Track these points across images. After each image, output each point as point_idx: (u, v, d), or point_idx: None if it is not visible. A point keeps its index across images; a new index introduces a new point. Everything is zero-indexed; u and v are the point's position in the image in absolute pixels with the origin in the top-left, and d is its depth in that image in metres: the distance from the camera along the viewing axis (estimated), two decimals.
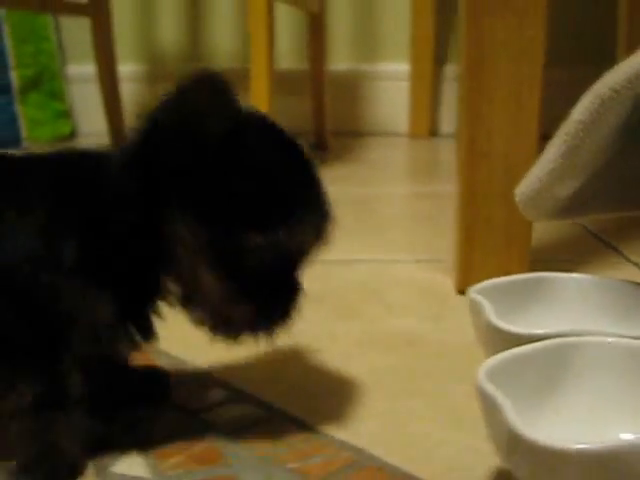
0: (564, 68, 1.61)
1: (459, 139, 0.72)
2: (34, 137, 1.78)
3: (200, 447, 0.45)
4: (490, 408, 0.36)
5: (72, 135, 1.90)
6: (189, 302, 0.43)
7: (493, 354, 0.47)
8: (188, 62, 1.97)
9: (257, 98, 1.25)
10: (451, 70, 1.93)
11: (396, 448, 0.45)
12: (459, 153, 0.71)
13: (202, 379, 0.54)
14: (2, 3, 1.54)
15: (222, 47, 1.95)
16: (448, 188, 1.34)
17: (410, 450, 0.45)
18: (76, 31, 1.90)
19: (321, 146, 1.66)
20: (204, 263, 0.41)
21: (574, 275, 0.55)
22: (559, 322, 0.51)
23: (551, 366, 0.41)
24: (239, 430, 0.47)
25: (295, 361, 0.58)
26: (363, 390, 0.53)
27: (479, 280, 0.70)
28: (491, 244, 0.71)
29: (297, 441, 0.46)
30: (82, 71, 1.91)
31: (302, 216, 0.42)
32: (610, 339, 0.42)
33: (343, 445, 0.45)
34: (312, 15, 1.59)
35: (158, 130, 0.40)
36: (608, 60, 1.26)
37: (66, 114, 1.89)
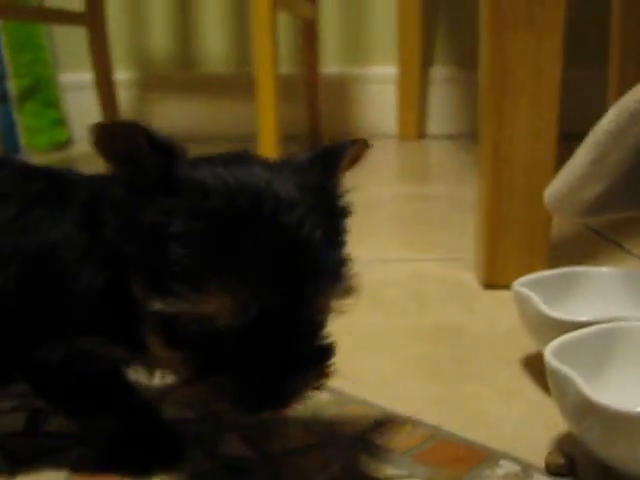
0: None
1: (482, 146, 0.79)
2: (32, 145, 1.82)
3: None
4: (561, 381, 0.43)
5: (68, 142, 1.94)
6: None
7: (541, 339, 0.54)
8: (180, 68, 2.02)
9: (263, 104, 1.31)
10: (437, 72, 2.01)
11: (463, 424, 0.52)
12: (483, 159, 0.78)
13: None
14: (2, 14, 1.58)
15: (214, 53, 2.01)
16: (441, 189, 1.43)
17: (476, 425, 0.52)
18: (68, 39, 1.94)
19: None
20: (149, 326, 0.41)
21: (602, 268, 0.63)
22: (595, 310, 0.59)
23: (602, 347, 0.48)
24: (319, 415, 0.54)
25: (351, 352, 0.64)
26: (420, 376, 0.60)
27: (504, 276, 0.78)
28: (514, 243, 0.78)
29: (374, 422, 0.52)
30: (75, 79, 1.95)
31: (219, 284, 0.37)
32: None
33: (418, 423, 0.52)
34: (306, 21, 1.66)
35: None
36: (602, 62, 1.34)
37: (62, 122, 1.93)
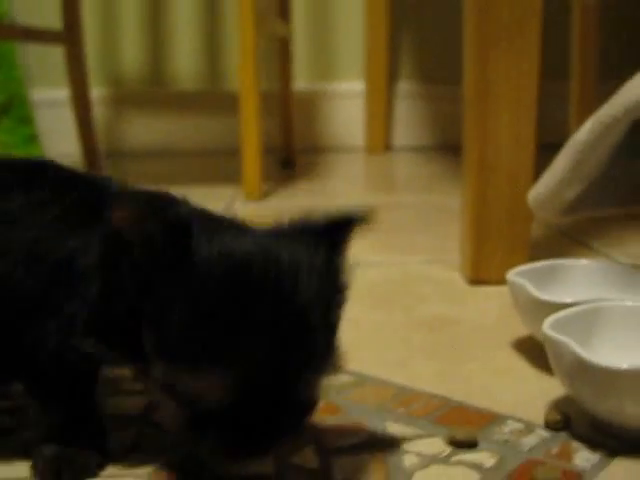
0: None
1: (466, 155, 0.88)
2: None
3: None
4: (558, 347, 0.52)
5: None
6: None
7: (532, 321, 0.64)
8: (153, 85, 2.10)
9: (247, 121, 1.39)
10: (403, 87, 2.12)
11: (470, 395, 0.60)
12: (468, 167, 0.88)
13: None
14: None
15: (186, 70, 2.09)
16: (411, 198, 1.52)
17: (481, 396, 0.60)
18: (41, 56, 2.00)
19: (290, 164, 1.81)
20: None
21: (582, 260, 0.72)
22: (577, 294, 0.68)
23: (588, 323, 0.58)
24: (345, 392, 0.62)
25: (361, 343, 0.73)
26: (426, 359, 0.68)
27: (489, 274, 0.87)
28: (498, 243, 0.87)
29: (393, 395, 0.61)
30: (48, 96, 2.01)
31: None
32: (628, 303, 0.59)
33: (431, 395, 0.60)
34: (281, 40, 1.75)
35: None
36: (562, 76, 1.45)
37: (35, 138, 1.99)
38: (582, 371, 0.50)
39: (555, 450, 0.52)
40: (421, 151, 2.08)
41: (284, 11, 1.75)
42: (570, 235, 1.10)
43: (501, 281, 0.81)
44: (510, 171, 0.85)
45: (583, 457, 0.51)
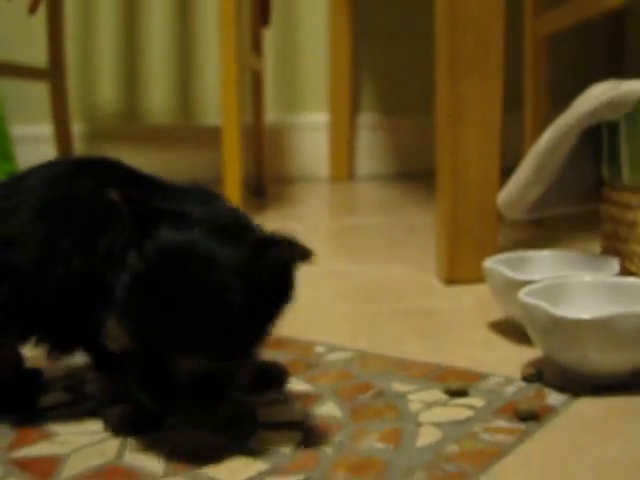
0: None
1: (440, 168, 1.01)
2: None
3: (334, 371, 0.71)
4: (532, 309, 0.64)
5: None
6: None
7: (506, 300, 0.76)
8: (127, 120, 2.21)
9: (229, 153, 1.50)
10: (365, 119, 2.25)
11: (457, 362, 0.72)
12: (442, 181, 1.00)
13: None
14: None
15: (159, 105, 2.20)
16: (377, 220, 1.64)
17: (466, 362, 0.72)
18: (20, 93, 2.10)
19: (261, 192, 1.92)
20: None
21: (543, 252, 0.85)
22: (543, 275, 0.80)
23: (554, 293, 0.70)
24: (351, 364, 0.73)
25: (358, 329, 0.84)
26: (414, 338, 0.80)
27: (461, 274, 0.99)
28: (469, 246, 1.00)
29: (393, 364, 0.72)
30: (26, 131, 2.10)
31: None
32: (587, 278, 0.72)
33: (425, 363, 0.72)
34: (254, 73, 1.88)
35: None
36: (517, 109, 1.59)
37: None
38: (552, 325, 0.63)
39: (531, 394, 0.64)
40: (383, 179, 2.22)
41: (257, 45, 1.88)
42: (532, 235, 1.24)
43: (473, 280, 0.95)
44: (478, 181, 0.98)
45: (554, 398, 0.63)
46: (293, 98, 2.24)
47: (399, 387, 0.66)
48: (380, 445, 0.56)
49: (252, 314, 0.53)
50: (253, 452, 0.55)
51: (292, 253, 0.53)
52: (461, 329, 0.83)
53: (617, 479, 0.51)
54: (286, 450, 0.55)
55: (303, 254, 0.52)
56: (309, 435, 0.58)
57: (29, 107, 2.09)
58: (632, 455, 0.54)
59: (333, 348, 0.77)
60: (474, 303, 0.92)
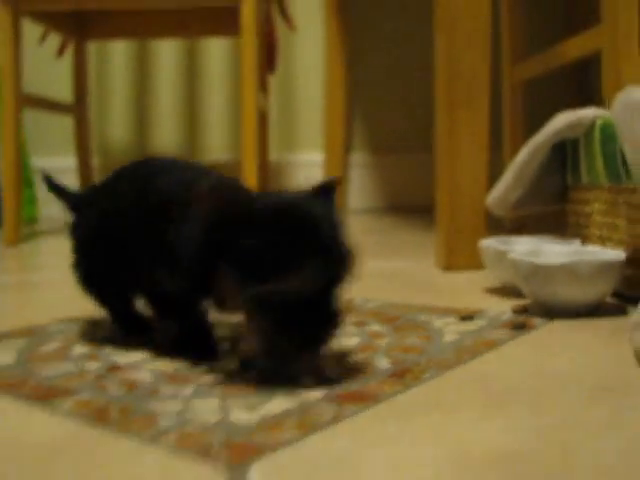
0: None
1: (439, 177, 1.31)
2: None
3: None
4: (518, 262, 0.94)
5: (38, 219, 2.35)
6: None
7: (498, 268, 1.05)
8: (137, 155, 2.49)
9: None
10: (357, 158, 2.57)
11: (461, 306, 1.01)
12: (442, 194, 1.30)
13: None
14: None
15: (167, 142, 2.50)
16: (374, 238, 1.93)
17: (471, 305, 1.01)
18: (39, 127, 2.38)
19: None
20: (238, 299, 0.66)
21: (523, 237, 1.15)
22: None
23: (533, 256, 1.00)
24: (379, 308, 1.01)
25: (380, 291, 1.13)
26: (422, 299, 1.09)
27: (457, 263, 1.28)
28: (463, 240, 1.29)
29: (408, 307, 1.01)
30: (44, 164, 2.38)
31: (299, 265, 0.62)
32: (556, 247, 1.02)
33: (436, 306, 1.01)
34: (261, 113, 2.19)
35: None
36: (498, 147, 1.91)
37: (35, 200, 2.35)
38: (533, 271, 0.92)
39: (521, 319, 0.93)
40: (373, 212, 2.52)
41: (263, 86, 2.19)
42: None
43: (468, 267, 1.24)
44: (470, 188, 1.28)
45: (536, 320, 0.92)
46: (291, 138, 2.55)
47: (424, 318, 0.95)
48: (418, 340, 0.84)
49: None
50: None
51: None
52: (455, 295, 1.12)
53: (562, 355, 0.80)
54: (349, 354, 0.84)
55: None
56: (362, 341, 0.86)
57: (52, 141, 2.36)
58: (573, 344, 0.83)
59: (368, 300, 1.06)
60: (471, 279, 1.21)
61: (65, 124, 2.28)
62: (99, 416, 0.63)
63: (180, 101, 2.49)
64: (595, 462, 0.51)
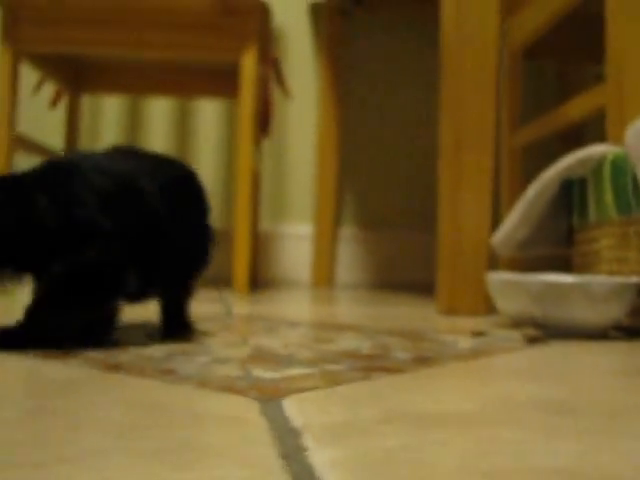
0: None
1: (441, 223, 1.33)
2: None
3: None
4: (529, 282, 0.95)
5: None
6: None
7: (504, 295, 1.07)
8: None
9: (240, 257, 1.81)
10: (346, 231, 2.60)
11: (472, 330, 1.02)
12: (443, 236, 1.33)
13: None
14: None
15: None
16: (358, 310, 1.94)
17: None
18: None
19: (256, 286, 2.23)
20: None
21: (527, 274, 1.17)
22: None
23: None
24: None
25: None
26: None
27: (456, 307, 1.30)
28: (464, 284, 1.31)
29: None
30: None
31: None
32: (567, 277, 1.04)
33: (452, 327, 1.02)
34: (254, 175, 2.22)
35: None
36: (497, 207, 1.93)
37: None
38: (546, 291, 0.94)
39: (534, 334, 0.94)
40: (361, 287, 2.54)
41: (257, 145, 2.23)
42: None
43: (469, 312, 1.26)
44: (474, 237, 1.31)
45: (549, 339, 0.93)
46: (280, 209, 2.58)
47: (435, 335, 0.96)
48: (432, 345, 0.85)
49: None
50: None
51: None
52: (469, 323, 1.14)
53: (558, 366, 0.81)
54: None
55: None
56: (375, 343, 0.86)
57: None
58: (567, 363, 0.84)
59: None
60: (476, 322, 1.22)
61: None
62: (114, 366, 0.62)
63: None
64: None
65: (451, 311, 1.31)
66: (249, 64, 1.82)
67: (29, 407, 0.48)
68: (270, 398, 0.52)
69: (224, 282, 2.11)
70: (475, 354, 0.78)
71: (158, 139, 2.55)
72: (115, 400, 0.50)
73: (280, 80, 2.28)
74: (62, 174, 0.74)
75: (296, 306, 1.76)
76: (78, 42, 1.81)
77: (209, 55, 1.85)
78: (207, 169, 2.52)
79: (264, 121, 2.28)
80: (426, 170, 2.64)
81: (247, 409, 0.49)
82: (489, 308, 1.30)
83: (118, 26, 1.80)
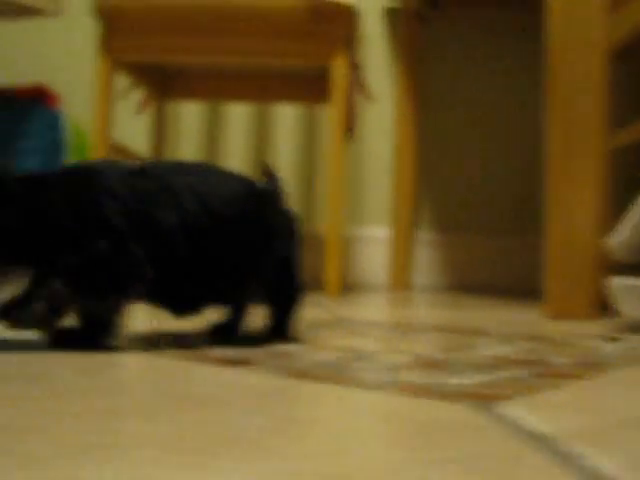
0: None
1: (551, 234, 1.34)
2: None
3: None
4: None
5: None
6: None
7: (632, 302, 1.08)
8: None
9: (332, 262, 1.84)
10: (424, 235, 2.62)
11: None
12: (553, 240, 1.33)
13: None
14: None
15: None
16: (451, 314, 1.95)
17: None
18: None
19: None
20: None
21: None
22: None
23: None
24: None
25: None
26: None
27: (568, 310, 1.30)
28: (575, 288, 1.32)
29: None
30: None
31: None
32: None
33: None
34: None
35: None
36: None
37: None
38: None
39: None
40: (438, 291, 2.55)
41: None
42: None
43: (581, 315, 1.26)
44: (585, 239, 1.31)
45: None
46: (357, 212, 2.60)
47: (568, 339, 0.97)
48: (579, 351, 0.86)
49: None
50: None
51: None
52: (585, 327, 1.14)
53: None
54: None
55: None
56: (515, 349, 0.88)
57: None
58: None
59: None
60: (587, 325, 1.23)
61: None
62: (302, 374, 0.65)
63: (249, 165, 2.57)
64: None
65: (560, 315, 1.32)
66: (339, 69, 1.84)
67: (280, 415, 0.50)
68: (485, 404, 0.54)
69: (310, 285, 2.14)
70: (632, 360, 0.79)
71: (236, 145, 2.59)
72: (346, 411, 0.53)
73: (361, 84, 2.30)
74: (85, 178, 0.78)
75: (394, 310, 1.78)
76: (171, 50, 1.85)
77: (300, 61, 1.88)
78: (286, 172, 2.55)
79: (349, 124, 2.30)
80: (506, 173, 2.64)
81: (474, 415, 0.51)
82: (599, 312, 1.30)
83: (211, 34, 1.84)
